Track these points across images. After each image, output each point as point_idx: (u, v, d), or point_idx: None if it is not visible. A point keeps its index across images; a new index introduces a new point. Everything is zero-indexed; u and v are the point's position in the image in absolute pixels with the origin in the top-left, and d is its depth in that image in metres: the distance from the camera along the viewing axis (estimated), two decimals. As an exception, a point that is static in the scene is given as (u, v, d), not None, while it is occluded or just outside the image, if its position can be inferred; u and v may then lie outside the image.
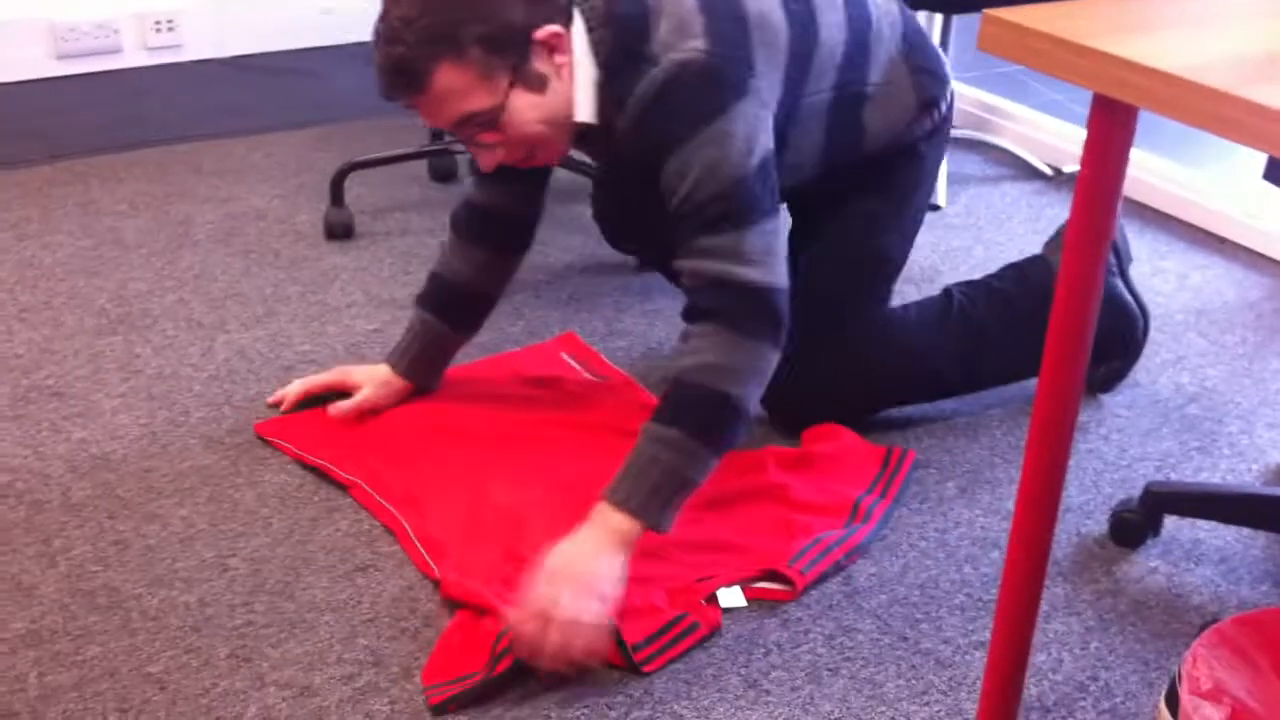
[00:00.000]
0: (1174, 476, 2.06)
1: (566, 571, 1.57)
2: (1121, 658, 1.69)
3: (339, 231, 2.64)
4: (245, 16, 3.49)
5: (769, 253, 1.70)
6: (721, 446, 1.66)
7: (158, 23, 3.37)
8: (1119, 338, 2.19)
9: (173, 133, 3.06)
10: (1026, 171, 3.11)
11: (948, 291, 2.16)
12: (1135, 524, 1.88)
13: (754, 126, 1.72)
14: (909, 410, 2.17)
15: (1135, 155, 2.89)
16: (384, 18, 1.68)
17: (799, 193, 2.09)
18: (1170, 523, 1.92)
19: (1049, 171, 3.09)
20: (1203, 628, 1.48)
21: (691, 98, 1.69)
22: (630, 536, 1.61)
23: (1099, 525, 1.94)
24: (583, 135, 1.80)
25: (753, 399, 1.68)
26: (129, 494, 1.90)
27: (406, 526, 1.84)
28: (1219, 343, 2.43)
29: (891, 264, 2.10)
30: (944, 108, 2.09)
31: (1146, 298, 2.54)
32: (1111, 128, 1.34)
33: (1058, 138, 3.14)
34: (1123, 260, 2.21)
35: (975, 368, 2.14)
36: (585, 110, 1.75)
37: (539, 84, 1.71)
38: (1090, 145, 1.36)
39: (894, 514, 1.93)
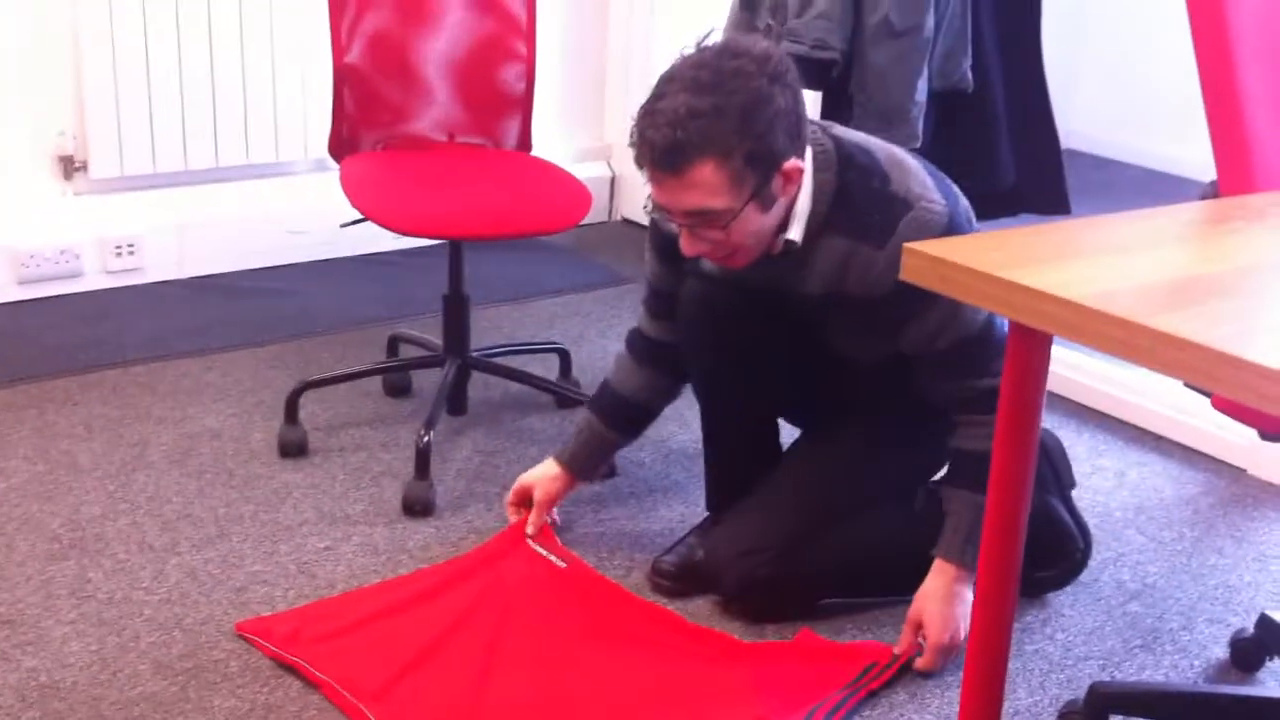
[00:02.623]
0: (1118, 675, 2.08)
1: (949, 610, 2.03)
2: None
3: (292, 449, 2.67)
4: (206, 239, 3.58)
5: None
6: None
7: (118, 247, 3.45)
8: (1057, 556, 2.25)
9: (130, 354, 3.11)
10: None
11: (892, 499, 2.22)
12: (1082, 726, 1.90)
13: None
14: (854, 608, 2.20)
15: (1070, 356, 2.98)
16: (666, 101, 1.83)
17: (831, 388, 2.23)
18: (1117, 723, 1.94)
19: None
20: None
21: None
22: (966, 580, 2.03)
23: (1048, 728, 1.95)
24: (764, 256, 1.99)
25: None
26: (77, 723, 1.89)
27: None
28: (1158, 539, 2.49)
29: (878, 491, 2.21)
30: None
31: (1087, 497, 2.60)
32: (1029, 350, 1.42)
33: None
34: (1063, 482, 2.28)
35: (915, 572, 2.18)
36: (797, 232, 1.97)
37: (769, 204, 1.91)
38: (1009, 365, 1.43)
39: (858, 712, 1.95)
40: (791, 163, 1.89)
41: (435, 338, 2.86)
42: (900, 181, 1.96)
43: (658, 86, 1.87)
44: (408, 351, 3.01)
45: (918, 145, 2.69)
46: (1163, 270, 1.40)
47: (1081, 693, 1.94)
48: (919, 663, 2.05)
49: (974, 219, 2.03)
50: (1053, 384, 1.46)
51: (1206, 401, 1.71)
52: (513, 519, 2.37)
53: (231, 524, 2.42)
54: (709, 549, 2.22)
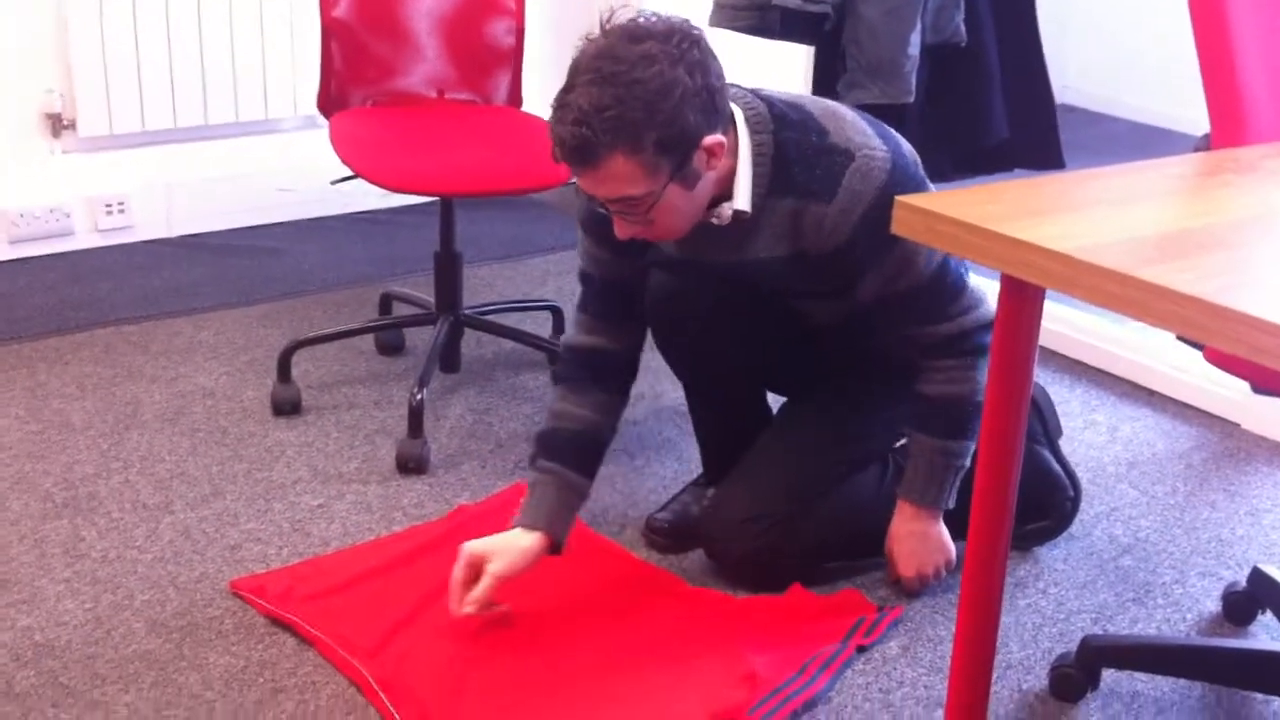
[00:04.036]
0: (1110, 628, 2.09)
1: (910, 547, 2.14)
2: (1064, 816, 1.70)
3: (286, 408, 2.67)
4: (196, 197, 3.56)
5: (977, 290, 2.04)
6: (977, 435, 1.94)
7: (108, 205, 3.44)
8: (1047, 506, 2.26)
9: (122, 313, 3.10)
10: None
11: (884, 456, 2.22)
12: (1074, 678, 1.91)
13: None
14: (848, 567, 2.20)
15: (1063, 311, 2.98)
16: (574, 95, 1.80)
17: (814, 354, 2.23)
18: (1108, 675, 1.95)
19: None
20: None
21: (899, 192, 1.85)
22: (928, 517, 2.13)
23: (1039, 680, 1.96)
24: (707, 224, 1.95)
25: None
26: (73, 681, 1.89)
27: (369, 678, 1.89)
28: (1150, 493, 2.49)
29: (867, 451, 2.23)
30: None
31: (1080, 451, 2.61)
32: (1020, 304, 1.41)
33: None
34: (1051, 433, 2.29)
35: None
36: (743, 200, 1.93)
37: (692, 182, 1.87)
38: (1001, 320, 1.43)
39: (850, 666, 1.97)
40: (711, 139, 1.84)
41: (427, 296, 2.85)
42: (838, 132, 1.93)
43: (567, 78, 1.84)
44: (400, 309, 3.01)
45: (910, 100, 2.68)
46: (1155, 223, 1.39)
47: (1073, 646, 1.95)
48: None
49: (919, 162, 2.01)
50: (1045, 340, 1.46)
51: (1199, 356, 1.71)
52: (453, 591, 2.00)
53: (225, 482, 2.42)
54: (707, 519, 2.21)
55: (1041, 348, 1.63)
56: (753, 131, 1.93)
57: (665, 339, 2.19)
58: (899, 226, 1.39)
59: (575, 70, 1.82)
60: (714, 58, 1.86)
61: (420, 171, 2.54)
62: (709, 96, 1.83)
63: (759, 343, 2.18)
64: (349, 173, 2.54)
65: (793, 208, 1.94)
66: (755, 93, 1.97)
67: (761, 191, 1.94)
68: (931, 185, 2.03)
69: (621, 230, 1.92)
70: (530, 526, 2.04)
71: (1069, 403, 2.81)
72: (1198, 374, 2.80)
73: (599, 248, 2.08)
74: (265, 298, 3.23)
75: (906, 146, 2.00)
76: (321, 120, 2.77)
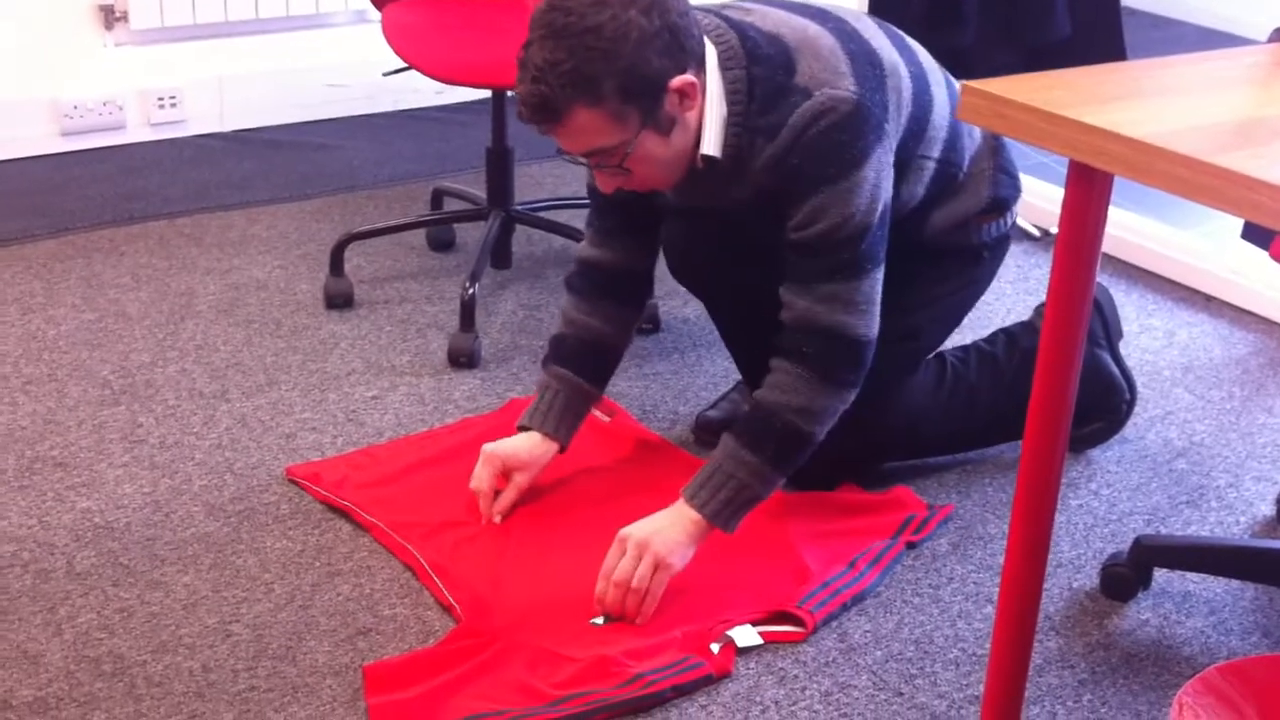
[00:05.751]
0: (1163, 530, 2.09)
1: (650, 539, 1.83)
2: (1114, 710, 1.71)
3: (338, 301, 2.68)
4: (248, 92, 3.55)
5: (872, 302, 1.88)
6: (790, 471, 1.91)
7: (160, 99, 3.43)
8: (1103, 408, 2.24)
9: (175, 207, 3.11)
10: (1014, 233, 3.15)
11: (940, 356, 2.21)
12: (1125, 577, 1.91)
13: (882, 174, 1.85)
14: (900, 467, 2.20)
15: (1122, 216, 2.94)
16: (530, 51, 1.76)
17: None
18: (1160, 575, 1.95)
19: (1036, 233, 3.14)
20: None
21: (845, 137, 1.81)
22: (702, 531, 1.87)
23: (1090, 579, 1.96)
24: (691, 170, 1.89)
25: (824, 433, 1.90)
26: (133, 562, 1.93)
27: (424, 563, 1.92)
28: (1206, 398, 2.47)
29: (919, 346, 2.15)
30: (1011, 216, 2.16)
31: (1135, 355, 2.58)
32: (1088, 193, 1.39)
33: (1044, 200, 3.19)
34: (1111, 334, 2.26)
35: (966, 430, 2.20)
36: (712, 144, 1.85)
37: (667, 126, 1.81)
38: (1067, 210, 1.40)
39: (900, 561, 1.98)
40: (681, 79, 1.77)
41: (479, 192, 2.85)
42: (806, 69, 1.82)
43: (529, 30, 1.78)
44: (451, 205, 3.00)
45: (973, -6, 2.63)
46: (1228, 111, 1.36)
47: (1125, 547, 1.95)
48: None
49: (888, 110, 1.86)
50: (1103, 244, 1.43)
51: (1259, 262, 1.69)
52: (485, 495, 2.03)
53: (280, 372, 2.44)
54: None
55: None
56: (724, 69, 1.84)
57: (681, 282, 2.19)
58: (964, 113, 1.37)
59: (531, 23, 1.77)
60: None
61: (473, 63, 2.51)
62: (671, 36, 1.76)
63: (777, 280, 2.12)
64: (401, 65, 2.53)
65: (758, 145, 1.85)
66: (729, 20, 1.87)
67: (737, 129, 1.85)
68: (880, 144, 1.84)
69: (604, 183, 1.88)
70: (547, 433, 2.06)
71: (1125, 307, 2.78)
72: (1256, 280, 2.76)
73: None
74: (317, 193, 3.23)
75: (889, 96, 1.86)
76: (371, 15, 2.75)
